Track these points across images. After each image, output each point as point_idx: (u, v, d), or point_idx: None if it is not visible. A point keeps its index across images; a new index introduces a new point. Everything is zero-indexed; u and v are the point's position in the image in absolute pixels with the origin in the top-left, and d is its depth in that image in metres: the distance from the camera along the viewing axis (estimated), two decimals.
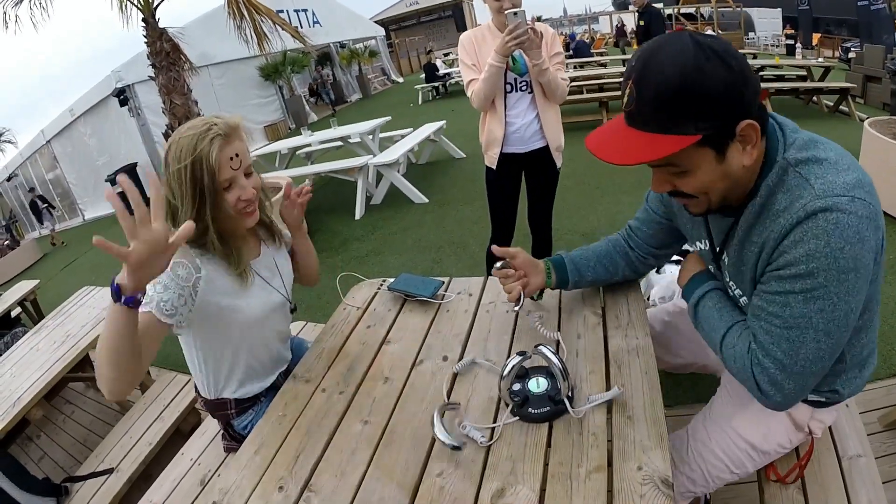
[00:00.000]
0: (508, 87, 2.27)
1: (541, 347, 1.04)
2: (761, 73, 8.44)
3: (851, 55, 11.15)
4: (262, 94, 14.15)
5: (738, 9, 20.46)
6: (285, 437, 1.16)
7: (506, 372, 1.05)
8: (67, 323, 2.86)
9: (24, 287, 4.80)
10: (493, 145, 2.38)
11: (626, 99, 0.82)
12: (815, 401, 1.08)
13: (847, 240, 0.77)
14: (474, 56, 2.29)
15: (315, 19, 16.20)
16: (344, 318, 1.57)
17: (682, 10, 21.12)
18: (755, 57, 10.54)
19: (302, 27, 14.43)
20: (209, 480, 1.59)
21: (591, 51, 14.38)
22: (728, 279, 1.05)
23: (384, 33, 21.28)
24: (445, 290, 1.56)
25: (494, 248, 1.27)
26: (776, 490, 1.17)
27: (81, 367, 2.55)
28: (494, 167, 2.42)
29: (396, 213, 5.12)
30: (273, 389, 1.43)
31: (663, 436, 0.94)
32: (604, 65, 11.71)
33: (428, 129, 6.41)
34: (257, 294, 1.30)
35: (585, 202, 4.42)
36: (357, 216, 5.23)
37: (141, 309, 1.01)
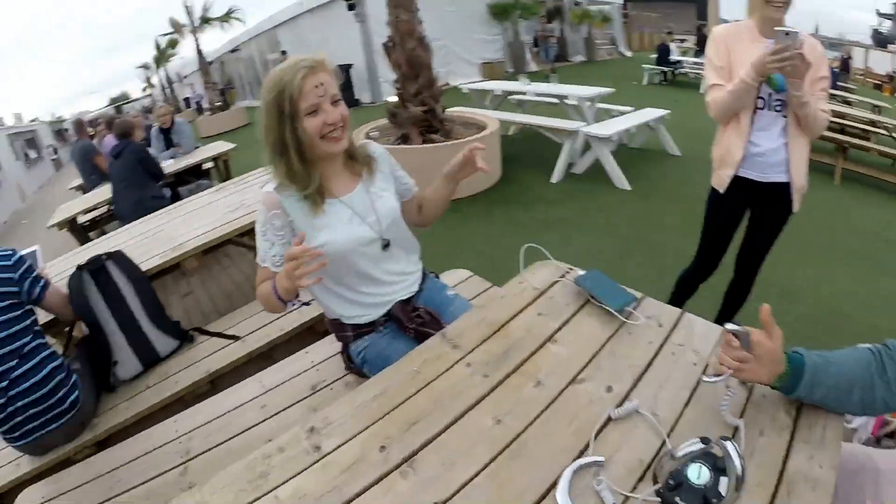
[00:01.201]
0: (760, 103, 1.92)
1: (727, 443, 0.83)
2: None
3: None
4: (487, 32, 14.23)
5: None
6: (410, 397, 1.09)
7: (679, 454, 0.86)
8: (246, 192, 3.06)
9: (221, 147, 5.55)
10: (728, 165, 2.03)
11: None
12: None
13: None
14: (725, 57, 1.94)
15: None
16: (517, 293, 1.42)
17: None
18: None
19: None
20: (321, 389, 1.63)
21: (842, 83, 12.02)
22: None
23: (622, 2, 20.02)
24: (635, 308, 1.32)
25: (765, 308, 0.97)
26: None
27: (247, 234, 2.58)
28: (723, 191, 2.06)
29: (594, 190, 4.83)
30: (394, 321, 1.49)
31: None
32: (849, 102, 9.68)
33: (650, 113, 5.86)
34: (342, 228, 1.35)
35: (795, 254, 3.59)
36: (554, 179, 5.06)
37: (260, 264, 1.36)
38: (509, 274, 1.54)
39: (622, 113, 6.10)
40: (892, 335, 1.05)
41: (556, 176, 5.10)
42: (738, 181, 2.04)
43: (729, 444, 0.83)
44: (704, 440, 0.87)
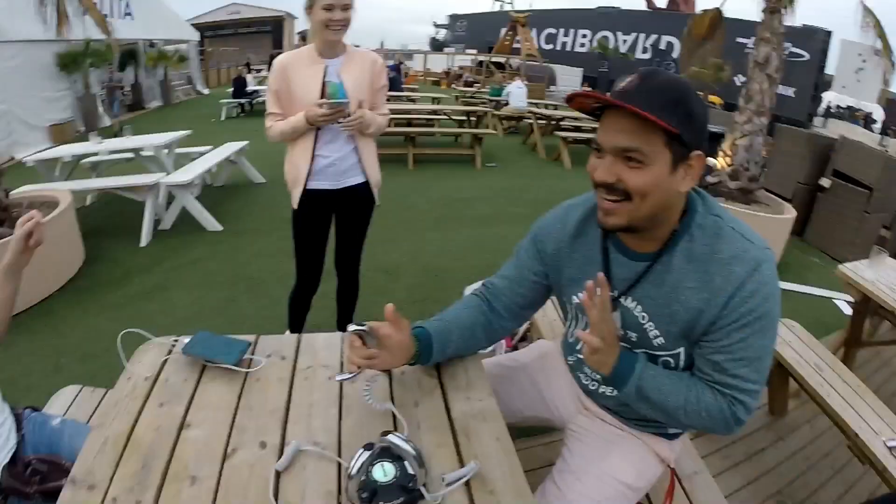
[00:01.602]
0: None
1: (390, 437, 0.88)
2: (561, 122, 9.64)
3: None
4: (54, 88, 11.45)
5: (545, 64, 23.08)
6: None
7: (354, 471, 0.87)
8: None
9: None
10: (299, 183, 2.13)
11: (623, 84, 0.91)
12: (672, 433, 1.16)
13: (776, 280, 0.96)
14: (284, 84, 2.03)
15: (128, 10, 13.70)
16: (129, 392, 1.18)
17: (494, 59, 23.24)
18: (556, 108, 11.93)
19: (112, 16, 12.23)
20: None
21: (402, 85, 14.92)
22: (643, 322, 1.04)
23: (198, 38, 19.32)
24: (252, 354, 1.27)
25: (389, 307, 1.02)
26: None
27: None
28: (298, 206, 2.17)
29: (186, 241, 4.48)
30: (13, 494, 1.13)
31: (530, 502, 0.90)
32: (413, 100, 12.15)
33: (229, 148, 5.85)
34: None
35: (388, 236, 4.37)
36: (143, 243, 4.44)
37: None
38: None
39: (202, 154, 5.86)
40: (486, 272, 1.30)
41: (145, 238, 4.49)
42: (313, 195, 2.14)
43: (392, 437, 0.89)
44: (367, 446, 0.89)
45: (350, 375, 1.04)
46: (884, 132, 23.12)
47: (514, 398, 1.36)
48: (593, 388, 1.20)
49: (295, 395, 1.13)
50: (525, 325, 2.27)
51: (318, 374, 1.18)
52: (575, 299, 1.14)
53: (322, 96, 1.99)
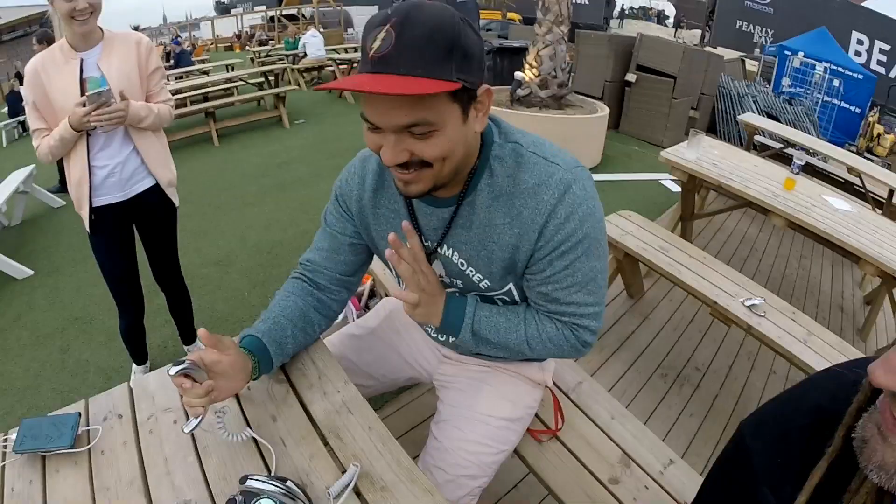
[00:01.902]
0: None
1: (249, 482, 0.76)
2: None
3: None
4: None
5: (339, 8, 22.04)
6: None
7: None
8: None
9: None
10: (82, 200, 1.83)
11: (377, 44, 0.72)
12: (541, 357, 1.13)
13: (594, 197, 0.89)
14: (41, 92, 1.71)
15: None
16: None
17: (285, 12, 21.87)
18: (356, 50, 11.51)
19: None
20: None
21: (193, 59, 13.54)
22: (463, 268, 0.97)
23: None
24: (88, 424, 1.02)
25: (201, 332, 0.88)
26: (537, 453, 1.18)
27: None
28: (89, 229, 1.87)
29: None
30: None
31: (425, 485, 0.84)
32: (206, 72, 11.07)
33: (15, 178, 4.80)
34: None
35: (209, 225, 4.02)
36: None
37: None
38: None
39: None
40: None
41: None
42: (102, 212, 1.83)
43: (251, 481, 0.77)
44: (230, 501, 0.76)
45: (197, 421, 0.86)
46: (676, 26, 26.11)
47: (375, 366, 1.28)
48: (439, 338, 1.12)
49: (146, 455, 0.93)
50: (369, 283, 2.18)
51: (162, 421, 0.99)
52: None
53: (82, 95, 1.68)
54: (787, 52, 8.91)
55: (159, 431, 0.97)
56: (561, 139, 4.68)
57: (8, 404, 2.41)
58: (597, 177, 4.84)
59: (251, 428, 0.92)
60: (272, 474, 0.83)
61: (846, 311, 3.26)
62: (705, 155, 2.91)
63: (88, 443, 0.98)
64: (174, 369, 0.83)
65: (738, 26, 14.32)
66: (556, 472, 1.13)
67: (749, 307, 1.91)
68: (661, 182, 4.80)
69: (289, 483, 0.77)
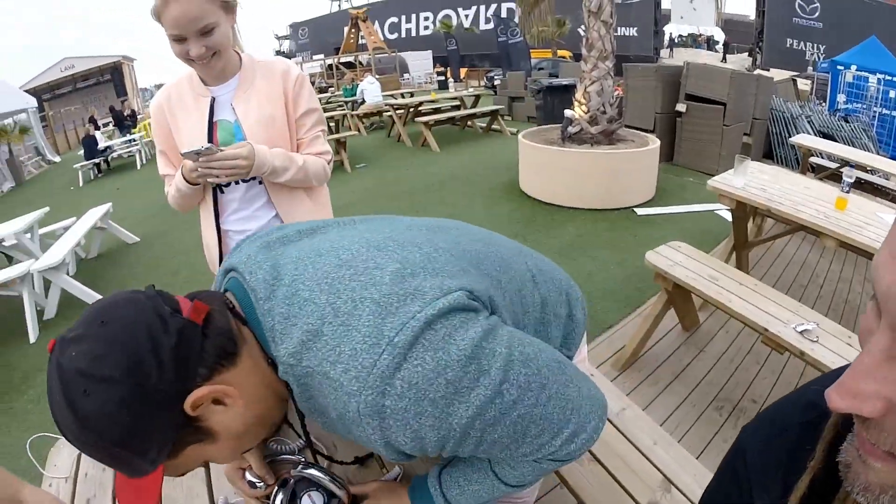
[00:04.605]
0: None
1: (310, 470, 0.83)
2: (420, 108, 9.75)
3: (496, 82, 13.98)
4: None
5: (394, 54, 23.07)
6: None
7: None
8: None
9: None
10: (213, 265, 1.55)
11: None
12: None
13: (445, 368, 0.57)
14: (167, 134, 1.43)
15: None
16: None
17: (342, 60, 22.96)
18: (412, 95, 12.11)
19: None
20: None
21: None
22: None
23: (36, 104, 17.63)
24: None
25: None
26: (574, 468, 1.18)
27: None
28: None
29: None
30: None
31: None
32: None
33: (93, 215, 5.41)
34: None
35: None
36: (32, 339, 4.01)
37: None
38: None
39: (66, 229, 5.38)
40: None
41: (33, 334, 4.06)
42: None
43: (304, 470, 0.82)
44: (282, 482, 0.83)
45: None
46: (725, 51, 25.71)
47: None
48: None
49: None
50: None
51: None
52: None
53: (211, 142, 1.36)
54: (839, 67, 8.55)
55: None
56: (613, 174, 4.85)
57: None
58: (651, 210, 4.83)
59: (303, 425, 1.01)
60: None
61: None
62: (754, 180, 2.86)
63: None
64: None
65: (788, 45, 13.95)
66: (592, 489, 1.14)
67: (801, 332, 1.86)
68: (717, 212, 4.69)
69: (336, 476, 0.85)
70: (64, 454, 1.20)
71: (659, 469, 1.15)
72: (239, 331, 0.64)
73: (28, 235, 5.21)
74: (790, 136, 5.97)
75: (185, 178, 1.35)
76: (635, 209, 4.87)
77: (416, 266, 0.63)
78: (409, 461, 0.67)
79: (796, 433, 0.48)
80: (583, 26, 5.21)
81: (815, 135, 6.16)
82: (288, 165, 1.38)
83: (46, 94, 25.66)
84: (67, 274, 4.36)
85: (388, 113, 9.86)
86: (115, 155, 12.75)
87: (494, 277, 0.73)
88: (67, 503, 1.03)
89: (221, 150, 1.28)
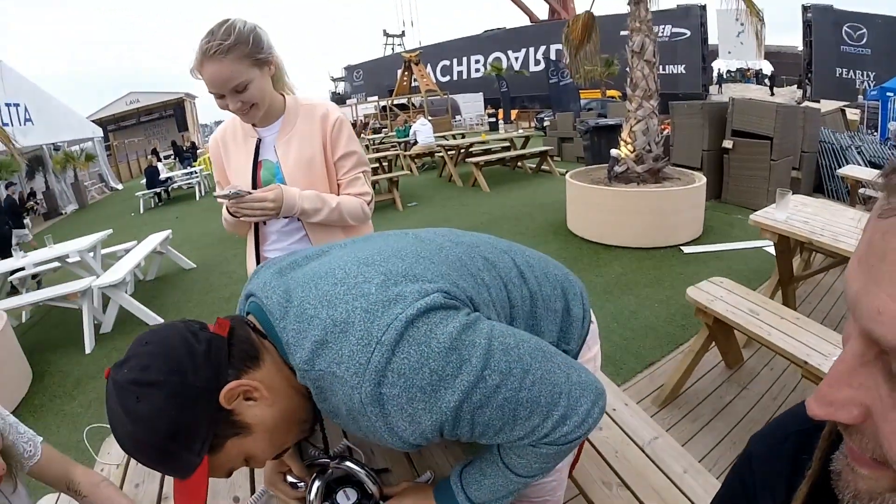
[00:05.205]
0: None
1: (347, 463, 0.91)
2: (471, 149, 9.94)
3: (546, 123, 14.09)
4: None
5: (446, 96, 23.72)
6: None
7: (312, 496, 0.89)
8: None
9: None
10: None
11: None
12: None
13: (429, 358, 0.66)
14: (221, 167, 1.58)
15: (28, 116, 13.20)
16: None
17: (396, 102, 23.67)
18: (463, 136, 12.35)
19: (11, 124, 11.82)
20: None
21: None
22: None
23: (102, 134, 18.92)
24: None
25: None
26: (602, 492, 1.19)
27: None
28: None
29: (131, 340, 4.30)
30: None
31: None
32: None
33: (154, 240, 5.74)
34: None
35: None
36: (88, 350, 4.27)
37: None
38: None
39: (128, 251, 5.73)
40: None
41: (89, 345, 4.33)
42: None
43: (343, 462, 0.90)
44: (321, 470, 0.90)
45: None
46: (772, 84, 25.22)
47: None
48: None
49: None
50: None
51: None
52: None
53: (254, 181, 1.48)
54: (888, 94, 8.28)
55: None
56: (659, 213, 4.82)
57: None
58: (697, 248, 4.74)
59: (346, 437, 1.08)
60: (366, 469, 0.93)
61: None
62: (797, 213, 2.81)
63: None
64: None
65: (837, 74, 13.51)
66: None
67: None
68: (765, 249, 4.57)
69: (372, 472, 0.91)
70: (116, 444, 1.28)
71: (687, 496, 1.15)
72: (261, 343, 0.76)
73: (91, 254, 5.58)
74: (839, 168, 5.82)
75: (228, 211, 1.46)
76: (682, 247, 4.80)
77: (399, 275, 0.73)
78: (417, 451, 0.75)
79: (795, 442, 0.49)
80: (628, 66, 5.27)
81: (866, 165, 5.95)
82: (319, 207, 1.44)
83: (112, 125, 27.32)
84: (126, 292, 4.63)
85: (440, 153, 10.08)
86: (175, 186, 13.46)
87: (477, 276, 0.81)
88: (117, 485, 1.12)
89: (250, 193, 1.37)
